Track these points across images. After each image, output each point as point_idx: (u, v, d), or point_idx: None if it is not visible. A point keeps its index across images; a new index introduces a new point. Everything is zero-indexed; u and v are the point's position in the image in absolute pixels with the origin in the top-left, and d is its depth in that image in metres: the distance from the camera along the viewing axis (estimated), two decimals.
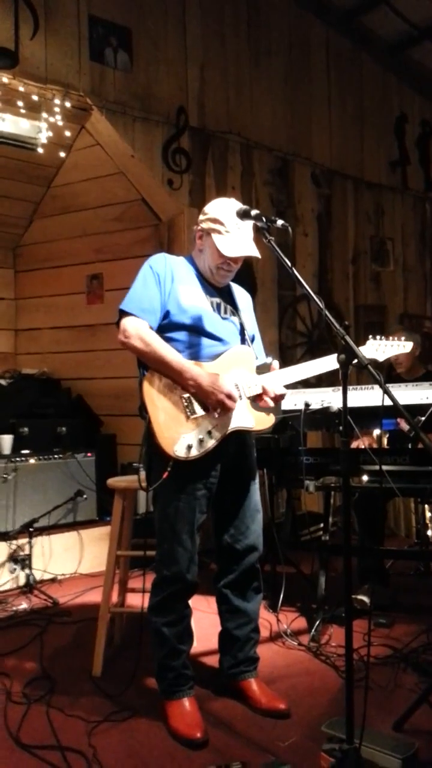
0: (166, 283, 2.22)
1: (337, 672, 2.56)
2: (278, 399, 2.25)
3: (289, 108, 5.29)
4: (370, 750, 1.84)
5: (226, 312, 2.32)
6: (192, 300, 2.23)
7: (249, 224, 2.21)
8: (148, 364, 2.16)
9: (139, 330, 2.15)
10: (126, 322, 2.17)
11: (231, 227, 2.19)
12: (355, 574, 3.25)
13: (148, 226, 4.75)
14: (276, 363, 2.31)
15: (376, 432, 3.51)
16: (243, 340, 2.35)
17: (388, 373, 3.83)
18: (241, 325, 2.36)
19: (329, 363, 2.29)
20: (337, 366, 2.20)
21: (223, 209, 2.23)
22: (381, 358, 2.38)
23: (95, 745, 2.07)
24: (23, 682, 2.53)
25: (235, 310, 2.37)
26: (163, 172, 4.49)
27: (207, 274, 2.31)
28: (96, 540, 4.14)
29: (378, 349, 2.37)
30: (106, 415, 4.94)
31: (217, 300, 2.31)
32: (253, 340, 2.42)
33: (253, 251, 2.21)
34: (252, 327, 2.45)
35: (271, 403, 2.23)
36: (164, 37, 4.52)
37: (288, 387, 2.32)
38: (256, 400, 2.25)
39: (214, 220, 2.22)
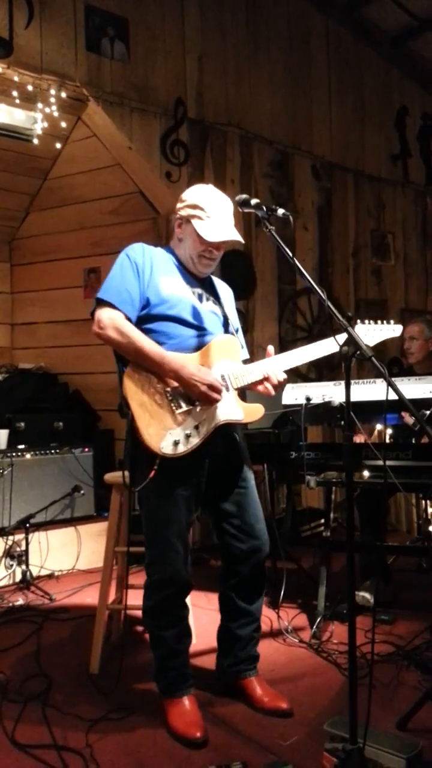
0: (144, 272, 2.13)
1: (339, 669, 2.52)
2: (279, 386, 2.18)
3: (288, 100, 5.23)
4: (374, 750, 1.80)
5: (208, 301, 2.25)
6: (173, 289, 2.15)
7: (230, 209, 2.16)
8: (126, 356, 2.07)
9: (114, 320, 2.05)
10: (101, 313, 2.08)
11: (212, 212, 2.13)
12: (357, 570, 3.22)
13: (145, 219, 4.69)
14: (271, 348, 2.23)
15: (378, 427, 3.47)
16: (227, 331, 2.27)
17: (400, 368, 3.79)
18: (224, 315, 2.29)
19: (327, 347, 2.22)
20: (335, 350, 2.17)
21: (202, 195, 2.17)
22: (372, 343, 2.30)
23: (92, 744, 2.03)
24: (19, 679, 2.49)
25: (218, 300, 2.30)
26: (161, 165, 4.43)
27: (188, 264, 2.22)
28: (94, 536, 4.09)
29: (367, 333, 2.30)
30: (103, 410, 4.89)
31: (198, 290, 2.23)
32: (237, 332, 2.34)
33: (235, 235, 2.15)
34: (234, 321, 2.36)
35: (273, 391, 2.17)
36: (162, 28, 4.45)
37: (289, 382, 2.27)
38: (253, 388, 2.18)
39: (194, 206, 2.15)
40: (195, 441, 2.04)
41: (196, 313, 2.17)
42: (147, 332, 2.09)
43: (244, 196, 2.07)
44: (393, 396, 1.75)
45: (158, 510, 2.10)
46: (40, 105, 4.09)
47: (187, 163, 4.55)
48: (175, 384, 2.05)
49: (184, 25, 4.57)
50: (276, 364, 2.17)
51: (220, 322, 2.25)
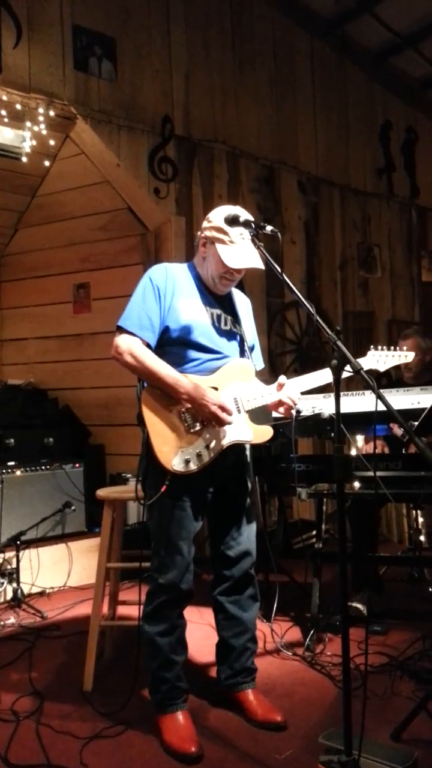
0: (166, 297, 2.20)
1: (333, 682, 2.53)
2: (291, 407, 2.27)
3: (274, 116, 5.31)
4: (369, 761, 1.80)
5: (226, 323, 2.31)
6: (191, 314, 2.22)
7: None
8: (142, 379, 2.17)
9: (131, 346, 2.15)
10: (119, 339, 2.18)
11: (235, 237, 2.17)
12: (349, 581, 3.22)
13: (134, 235, 4.73)
14: (283, 378, 2.29)
15: (359, 438, 3.48)
16: (242, 353, 2.34)
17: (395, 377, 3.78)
18: (241, 336, 2.35)
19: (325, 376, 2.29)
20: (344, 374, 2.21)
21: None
22: (382, 369, 2.38)
23: (87, 763, 2.02)
24: (11, 699, 2.47)
25: (236, 319, 2.36)
26: (149, 181, 4.47)
27: (209, 282, 2.29)
28: (85, 552, 4.07)
29: (379, 359, 2.37)
30: (94, 425, 4.88)
31: (217, 311, 2.29)
32: (252, 349, 2.41)
33: (257, 263, 2.18)
34: (252, 335, 2.43)
35: (288, 413, 2.27)
36: (149, 46, 4.51)
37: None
38: (270, 409, 2.27)
39: (219, 230, 2.19)
40: (205, 460, 2.13)
41: (213, 337, 2.24)
42: (167, 355, 2.17)
43: (234, 213, 2.11)
44: (382, 408, 1.77)
45: (168, 515, 2.15)
46: (28, 123, 4.12)
47: (175, 180, 4.59)
48: (189, 405, 2.12)
49: (171, 44, 4.63)
50: (291, 388, 2.25)
51: (236, 343, 2.32)
